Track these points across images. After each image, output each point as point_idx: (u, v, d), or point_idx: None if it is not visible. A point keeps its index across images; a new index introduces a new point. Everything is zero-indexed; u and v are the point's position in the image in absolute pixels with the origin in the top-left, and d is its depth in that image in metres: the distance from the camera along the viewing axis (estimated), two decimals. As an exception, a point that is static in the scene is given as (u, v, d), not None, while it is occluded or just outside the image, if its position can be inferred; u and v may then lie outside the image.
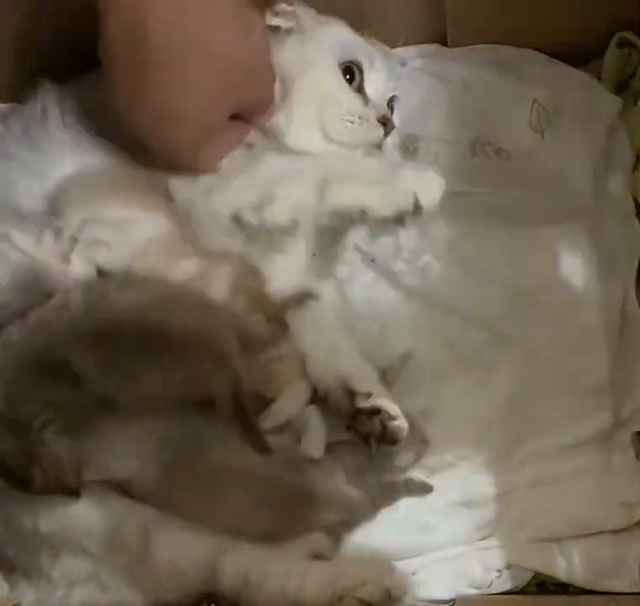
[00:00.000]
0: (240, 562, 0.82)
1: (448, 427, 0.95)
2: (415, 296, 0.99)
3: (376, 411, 0.86)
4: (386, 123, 0.94)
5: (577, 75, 1.03)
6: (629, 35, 0.98)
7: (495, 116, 1.02)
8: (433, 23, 1.02)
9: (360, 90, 0.95)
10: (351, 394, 0.88)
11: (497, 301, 0.97)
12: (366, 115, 0.93)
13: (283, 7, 0.94)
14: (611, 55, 1.00)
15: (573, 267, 0.97)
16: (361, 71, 0.95)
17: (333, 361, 0.90)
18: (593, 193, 0.99)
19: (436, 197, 0.84)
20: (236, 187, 0.87)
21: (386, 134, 0.95)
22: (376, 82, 0.96)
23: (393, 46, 1.04)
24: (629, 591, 0.88)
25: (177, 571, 0.82)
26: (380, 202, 0.83)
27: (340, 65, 0.94)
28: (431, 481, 0.93)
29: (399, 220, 0.84)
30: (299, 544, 0.86)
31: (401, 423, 0.87)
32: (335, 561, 0.88)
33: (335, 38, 0.95)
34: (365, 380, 0.90)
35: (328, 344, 0.92)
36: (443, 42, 1.04)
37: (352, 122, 0.93)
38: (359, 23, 1.00)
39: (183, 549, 0.83)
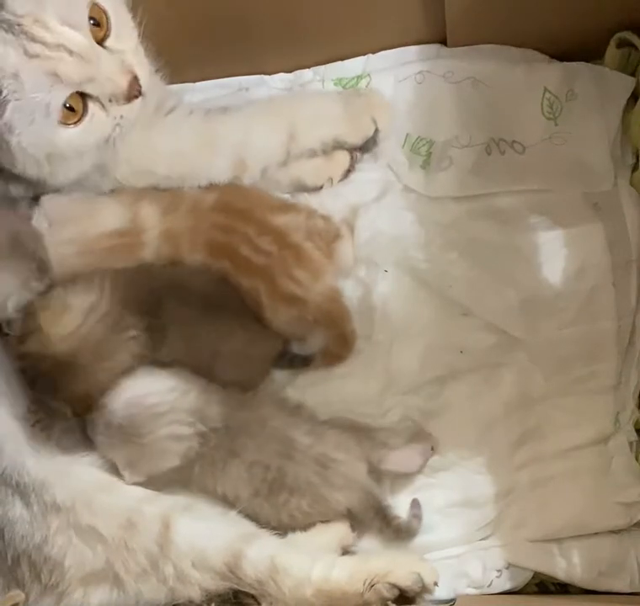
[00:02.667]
0: (266, 549, 0.81)
1: (451, 427, 0.95)
2: (436, 297, 0.98)
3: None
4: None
5: (583, 65, 1.02)
6: (629, 35, 0.98)
7: (507, 109, 1.01)
8: (433, 23, 1.01)
9: None
10: None
11: (511, 304, 0.97)
12: None
13: None
14: (611, 55, 1.00)
15: (589, 272, 0.97)
16: None
17: None
18: (611, 174, 0.98)
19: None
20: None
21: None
22: None
23: (392, 46, 1.04)
24: (629, 591, 0.88)
25: (199, 556, 0.80)
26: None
27: None
28: (432, 480, 0.94)
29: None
30: (322, 534, 0.87)
31: None
32: (358, 555, 0.87)
33: None
34: None
35: None
36: (443, 42, 1.04)
37: None
38: (359, 24, 1.01)
39: (206, 533, 0.82)
